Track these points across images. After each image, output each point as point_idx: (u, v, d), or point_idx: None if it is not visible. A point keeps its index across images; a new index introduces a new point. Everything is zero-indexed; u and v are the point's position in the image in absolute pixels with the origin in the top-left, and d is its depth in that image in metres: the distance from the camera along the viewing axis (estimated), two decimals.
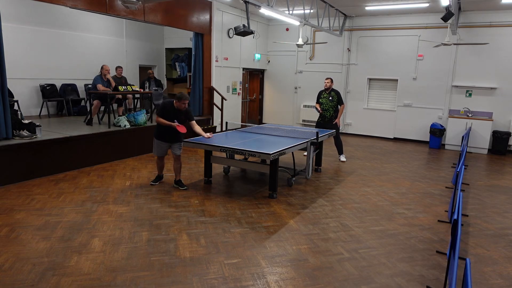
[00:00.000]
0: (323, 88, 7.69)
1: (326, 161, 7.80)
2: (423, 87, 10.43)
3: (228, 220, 4.50)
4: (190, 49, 10.54)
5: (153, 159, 7.44)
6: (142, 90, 8.96)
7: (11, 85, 6.75)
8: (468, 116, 9.71)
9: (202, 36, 9.56)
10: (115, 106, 8.52)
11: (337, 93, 7.59)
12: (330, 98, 7.54)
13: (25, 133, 5.92)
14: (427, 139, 10.29)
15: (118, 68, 9.05)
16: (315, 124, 8.01)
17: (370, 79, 11.27)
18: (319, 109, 7.62)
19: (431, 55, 10.13)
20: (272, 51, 12.62)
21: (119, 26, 10.57)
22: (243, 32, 6.65)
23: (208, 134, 5.60)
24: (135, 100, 9.51)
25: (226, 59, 10.61)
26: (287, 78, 12.53)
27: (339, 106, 7.64)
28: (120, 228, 4.16)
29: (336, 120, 7.61)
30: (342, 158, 8.05)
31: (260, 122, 13.00)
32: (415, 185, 6.36)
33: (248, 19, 6.61)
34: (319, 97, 7.72)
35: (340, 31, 10.81)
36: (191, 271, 3.32)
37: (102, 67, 8.00)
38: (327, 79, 7.63)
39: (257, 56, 12.11)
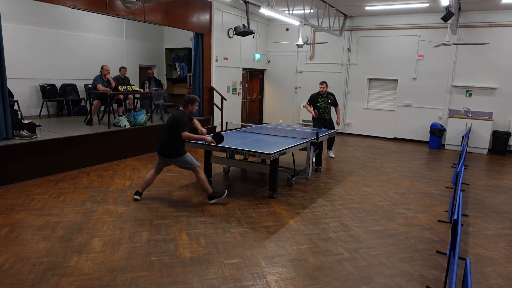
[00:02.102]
0: (318, 92, 7.75)
1: (326, 161, 7.80)
2: (423, 87, 10.43)
3: (228, 220, 4.50)
4: (190, 49, 10.53)
5: (153, 159, 7.43)
6: (142, 90, 8.97)
7: (11, 85, 6.75)
8: (468, 116, 9.71)
9: (202, 36, 9.56)
10: (115, 106, 8.52)
11: (333, 95, 7.83)
12: (329, 101, 7.72)
13: (25, 133, 5.92)
14: (427, 139, 10.29)
15: (122, 68, 9.07)
16: (312, 123, 8.03)
17: (370, 79, 11.27)
18: (313, 112, 7.64)
19: (431, 55, 10.12)
20: (272, 51, 12.62)
21: (119, 26, 10.57)
22: (243, 32, 6.65)
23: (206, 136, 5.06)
24: (135, 100, 9.51)
25: (226, 59, 10.61)
26: (287, 78, 12.53)
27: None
28: (120, 228, 4.16)
29: (337, 121, 7.87)
30: (331, 154, 8.22)
31: (260, 122, 12.99)
32: (415, 185, 6.36)
33: (248, 19, 6.61)
34: (315, 101, 7.73)
35: (340, 31, 10.81)
36: (191, 271, 3.32)
37: (102, 67, 8.00)
38: (322, 83, 7.71)
39: (257, 56, 12.11)
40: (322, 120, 7.72)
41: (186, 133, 4.71)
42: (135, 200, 5.03)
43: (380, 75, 11.04)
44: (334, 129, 7.69)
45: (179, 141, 4.75)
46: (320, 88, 7.69)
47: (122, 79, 8.84)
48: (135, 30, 11.00)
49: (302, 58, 12.13)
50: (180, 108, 4.86)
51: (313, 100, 7.75)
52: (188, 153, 4.88)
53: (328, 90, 7.84)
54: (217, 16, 9.93)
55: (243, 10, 9.86)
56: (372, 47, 11.02)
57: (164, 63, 12.20)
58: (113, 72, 8.89)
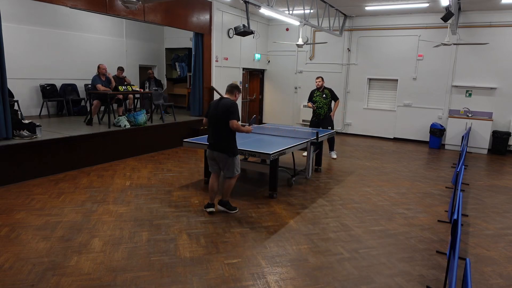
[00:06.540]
0: (315, 88, 7.84)
1: (326, 161, 7.80)
2: (423, 87, 10.42)
3: (228, 220, 4.50)
4: (190, 49, 10.54)
5: (153, 159, 7.44)
6: (142, 90, 8.97)
7: (11, 85, 6.75)
8: (468, 116, 9.71)
9: (202, 36, 9.56)
10: (115, 106, 8.52)
11: (330, 90, 7.80)
12: (324, 95, 7.72)
13: (25, 133, 5.92)
14: (427, 139, 10.29)
15: (119, 69, 9.08)
16: (309, 123, 8.13)
17: (370, 79, 11.27)
18: (312, 106, 7.76)
19: (431, 55, 10.12)
20: (272, 51, 12.61)
21: (119, 26, 10.57)
22: (243, 32, 6.64)
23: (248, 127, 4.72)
24: (135, 100, 9.51)
25: (226, 59, 10.61)
26: (287, 78, 12.52)
27: (333, 102, 7.85)
28: (120, 228, 4.16)
29: (331, 114, 7.85)
30: (333, 155, 8.22)
31: (260, 122, 12.99)
32: (415, 185, 6.36)
33: (248, 19, 6.61)
34: (311, 96, 7.89)
35: (340, 31, 10.81)
36: (191, 271, 3.32)
37: (98, 67, 7.97)
38: (318, 78, 7.76)
39: (257, 56, 12.10)
40: (317, 115, 7.77)
41: (237, 122, 4.32)
42: (210, 213, 4.66)
43: (380, 75, 11.04)
44: (332, 128, 7.70)
45: (234, 133, 4.45)
46: (316, 82, 7.73)
47: (119, 79, 8.84)
48: (135, 30, 11.00)
49: (302, 58, 12.13)
50: (226, 96, 4.53)
51: (310, 96, 7.91)
52: (238, 156, 4.60)
53: (327, 86, 7.91)
54: (217, 16, 9.93)
55: (243, 10, 9.85)
56: (372, 47, 11.02)
57: (164, 63, 12.21)
58: (113, 73, 8.88)
